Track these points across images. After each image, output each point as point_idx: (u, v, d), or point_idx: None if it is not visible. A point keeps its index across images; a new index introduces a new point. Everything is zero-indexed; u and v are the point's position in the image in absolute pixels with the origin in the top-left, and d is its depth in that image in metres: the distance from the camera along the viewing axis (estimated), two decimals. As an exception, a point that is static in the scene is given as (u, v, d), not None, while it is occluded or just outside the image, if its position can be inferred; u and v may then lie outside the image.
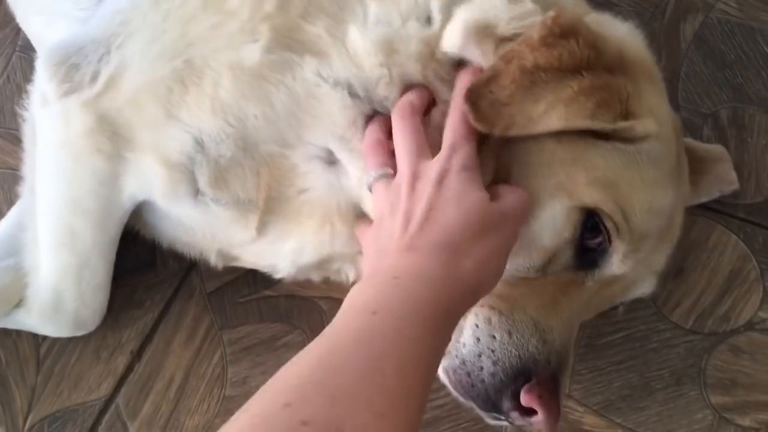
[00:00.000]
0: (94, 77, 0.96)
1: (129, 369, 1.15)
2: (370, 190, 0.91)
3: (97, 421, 1.12)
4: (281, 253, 1.04)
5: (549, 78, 0.84)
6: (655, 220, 0.89)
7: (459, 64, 0.93)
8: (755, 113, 1.26)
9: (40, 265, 1.07)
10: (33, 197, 1.05)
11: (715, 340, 1.12)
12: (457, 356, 0.87)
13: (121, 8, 0.98)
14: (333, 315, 1.07)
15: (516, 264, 0.89)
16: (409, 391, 0.66)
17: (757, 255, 1.17)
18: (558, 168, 0.87)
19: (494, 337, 0.85)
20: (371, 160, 0.91)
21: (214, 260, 1.11)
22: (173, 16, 0.95)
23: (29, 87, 1.03)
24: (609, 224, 0.86)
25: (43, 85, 0.98)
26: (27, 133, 1.06)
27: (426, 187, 0.83)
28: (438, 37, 0.91)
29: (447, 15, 0.91)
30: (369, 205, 0.95)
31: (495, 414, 0.87)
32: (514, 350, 0.85)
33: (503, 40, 0.89)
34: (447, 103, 0.91)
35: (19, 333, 1.16)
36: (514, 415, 0.85)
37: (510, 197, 0.85)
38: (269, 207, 0.99)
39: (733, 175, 1.16)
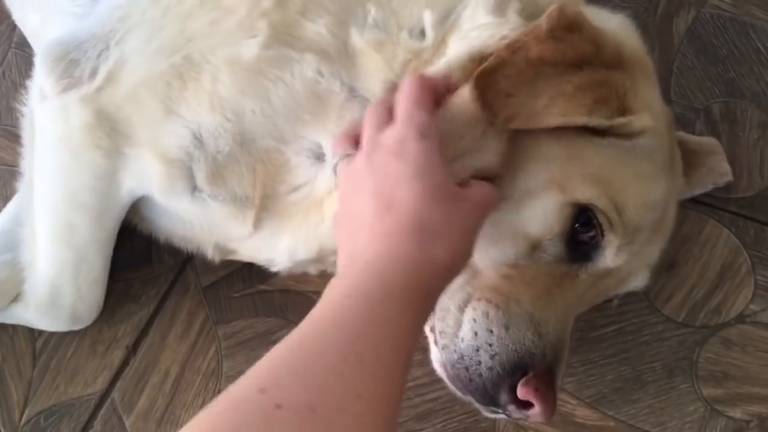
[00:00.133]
0: (93, 73, 0.97)
1: (125, 363, 1.15)
2: (335, 174, 0.91)
3: (93, 415, 1.12)
4: (277, 248, 1.05)
5: (551, 72, 0.85)
6: (649, 213, 0.90)
7: None
8: (747, 108, 1.27)
9: (37, 260, 1.08)
10: (31, 192, 1.06)
11: (706, 333, 1.12)
12: (455, 351, 0.87)
13: (120, 4, 0.98)
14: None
15: (503, 251, 0.89)
16: (386, 371, 0.67)
17: (748, 248, 1.17)
18: (552, 162, 0.88)
19: (491, 331, 0.86)
20: (337, 144, 0.91)
21: (211, 254, 1.11)
22: (172, 12, 0.95)
23: (25, 84, 1.04)
24: (602, 219, 0.87)
25: (41, 81, 0.99)
26: (25, 128, 1.07)
27: (385, 159, 0.81)
28: (429, 53, 0.92)
29: (440, 35, 0.93)
30: None
31: (492, 407, 0.88)
32: (511, 344, 0.85)
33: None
34: None
35: (15, 328, 1.16)
36: (512, 408, 0.86)
37: (477, 186, 0.84)
38: (265, 204, 1.00)
39: (726, 167, 1.17)
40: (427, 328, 0.96)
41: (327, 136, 0.94)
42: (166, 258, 1.21)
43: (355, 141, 0.88)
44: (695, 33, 1.34)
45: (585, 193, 0.86)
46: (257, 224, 1.02)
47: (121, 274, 1.19)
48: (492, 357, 0.85)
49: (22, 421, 1.12)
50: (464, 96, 0.87)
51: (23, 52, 1.39)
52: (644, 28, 1.31)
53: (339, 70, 0.92)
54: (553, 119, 0.84)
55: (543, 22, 0.87)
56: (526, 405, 0.84)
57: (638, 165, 0.89)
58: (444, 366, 0.90)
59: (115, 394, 1.13)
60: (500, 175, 0.89)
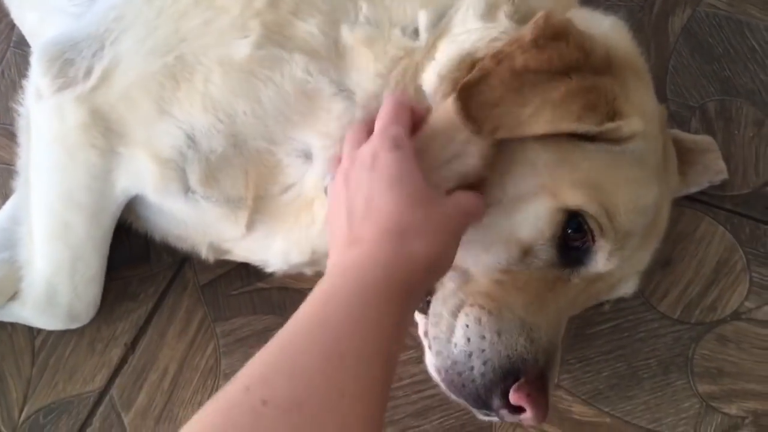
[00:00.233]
0: (88, 72, 0.97)
1: (123, 361, 1.16)
2: (326, 194, 0.93)
3: (92, 413, 1.13)
4: (271, 250, 1.05)
5: (537, 80, 0.85)
6: (640, 218, 0.90)
7: None
8: (742, 106, 1.27)
9: (34, 258, 1.08)
10: (28, 191, 1.07)
11: (702, 329, 1.13)
12: (448, 356, 0.88)
13: (116, 4, 0.99)
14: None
15: (495, 257, 0.90)
16: (368, 370, 0.68)
17: (743, 246, 1.18)
18: (543, 168, 0.88)
19: (484, 337, 0.86)
20: (329, 166, 0.94)
21: (205, 253, 1.12)
22: (166, 12, 0.96)
23: (24, 82, 1.05)
24: (593, 225, 0.87)
25: (37, 80, 1.00)
26: (22, 127, 1.07)
27: (361, 174, 0.83)
28: (420, 54, 0.93)
29: (432, 37, 0.93)
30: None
31: (486, 411, 0.89)
32: (503, 350, 0.86)
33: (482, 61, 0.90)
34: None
35: (14, 326, 1.17)
36: (504, 412, 0.86)
37: (461, 194, 0.87)
38: (257, 206, 1.01)
39: (722, 164, 1.17)
40: (421, 333, 0.97)
41: (316, 136, 0.95)
42: (164, 256, 1.22)
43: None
44: (691, 31, 1.35)
45: (575, 199, 0.87)
46: (250, 225, 1.02)
47: (119, 272, 1.19)
48: (484, 363, 0.86)
49: (22, 419, 1.13)
50: (448, 106, 0.88)
51: (22, 50, 1.40)
52: (640, 27, 1.33)
53: (328, 68, 0.93)
54: (541, 127, 0.84)
55: (527, 31, 0.87)
56: (519, 410, 0.85)
57: (629, 170, 0.89)
58: (438, 371, 0.90)
59: (114, 391, 1.14)
60: (489, 181, 0.90)
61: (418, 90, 0.94)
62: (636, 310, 1.14)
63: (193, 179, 0.98)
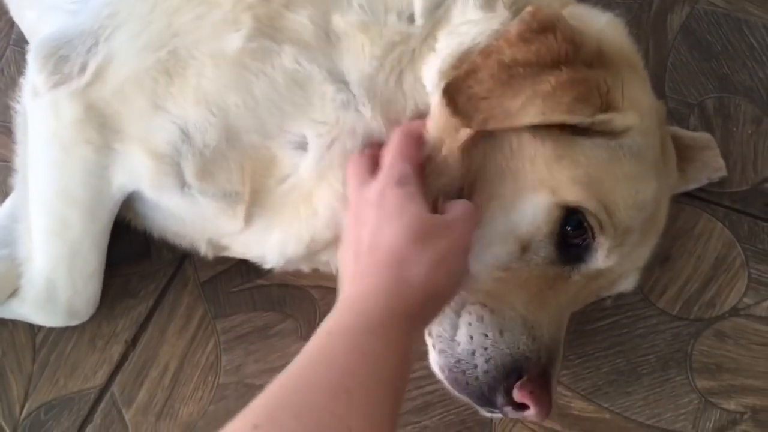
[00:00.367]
0: (83, 68, 0.97)
1: (124, 357, 1.16)
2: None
3: (93, 409, 1.13)
4: (268, 244, 1.05)
5: (527, 72, 0.85)
6: (639, 214, 0.90)
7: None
8: (741, 103, 1.28)
9: (33, 255, 1.08)
10: (26, 189, 1.07)
11: (700, 325, 1.13)
12: (452, 354, 0.89)
13: (110, 0, 0.99)
14: (325, 304, 1.09)
15: (495, 254, 0.90)
16: (376, 403, 0.69)
17: (742, 242, 1.18)
18: (541, 164, 0.88)
19: (486, 335, 0.87)
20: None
21: (204, 250, 1.12)
22: (159, 7, 0.96)
23: (23, 80, 1.04)
24: (592, 221, 0.88)
25: (33, 77, 1.00)
26: (19, 124, 1.07)
27: (368, 211, 0.86)
28: (417, 41, 0.93)
29: (429, 23, 0.93)
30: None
31: (489, 408, 0.90)
32: (505, 348, 0.86)
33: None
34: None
35: (15, 322, 1.17)
36: (508, 409, 0.87)
37: (454, 208, 0.88)
38: (254, 200, 1.01)
39: (721, 162, 1.18)
40: (425, 332, 0.97)
41: (311, 125, 0.95)
42: (165, 253, 1.22)
43: None
44: (689, 29, 1.35)
45: (574, 195, 0.87)
46: (248, 219, 1.02)
47: (120, 269, 1.20)
48: (487, 361, 0.86)
49: (23, 415, 1.13)
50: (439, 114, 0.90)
51: (21, 48, 1.39)
52: (638, 25, 1.33)
53: (317, 56, 0.93)
54: (531, 117, 0.85)
55: (513, 25, 0.88)
56: (522, 407, 0.86)
57: (627, 165, 0.89)
58: (442, 369, 0.91)
59: (115, 388, 1.14)
60: (489, 177, 0.91)
61: (417, 80, 0.94)
62: (635, 307, 1.15)
63: (189, 174, 0.98)
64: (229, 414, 0.67)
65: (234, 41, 0.93)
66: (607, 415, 1.09)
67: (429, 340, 0.94)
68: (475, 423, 1.08)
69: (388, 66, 0.94)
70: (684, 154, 1.11)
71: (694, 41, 1.34)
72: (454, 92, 0.85)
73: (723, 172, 1.18)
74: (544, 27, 0.87)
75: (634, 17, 1.34)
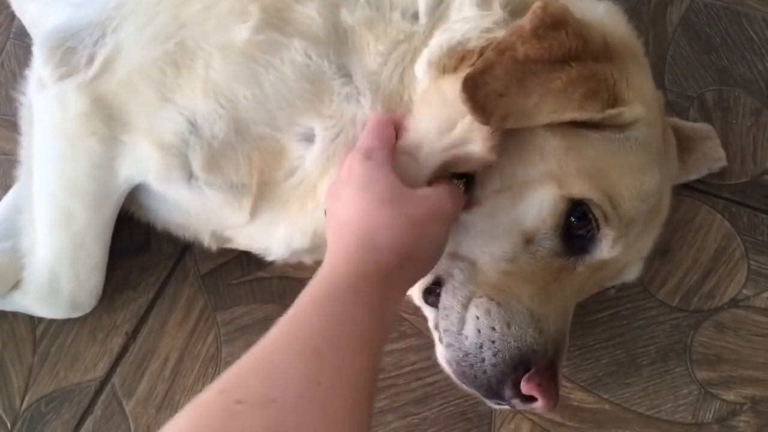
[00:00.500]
0: (90, 60, 0.97)
1: (124, 349, 1.16)
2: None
3: (93, 401, 1.13)
4: (273, 237, 1.05)
5: (539, 70, 0.85)
6: (644, 204, 0.91)
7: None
8: (740, 95, 1.28)
9: (36, 247, 1.09)
10: (30, 180, 1.07)
11: (700, 317, 1.14)
12: (460, 348, 0.89)
13: None
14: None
15: (500, 246, 0.90)
16: (347, 361, 0.69)
17: (741, 234, 1.19)
18: (550, 156, 0.89)
19: (494, 328, 0.87)
20: None
21: (207, 242, 1.13)
22: None
23: (24, 74, 1.05)
24: (597, 213, 0.88)
25: (39, 69, 1.00)
26: (24, 116, 1.07)
27: (340, 189, 0.87)
28: (419, 39, 0.94)
29: (431, 22, 0.94)
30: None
31: (497, 400, 0.90)
32: (513, 342, 0.87)
33: (473, 52, 0.92)
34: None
35: (15, 315, 1.17)
36: (515, 402, 0.87)
37: (438, 184, 0.89)
38: (261, 192, 1.01)
39: (721, 152, 1.18)
40: (431, 326, 0.98)
41: (319, 119, 0.95)
42: (165, 245, 1.22)
43: None
44: (689, 22, 1.35)
45: (580, 188, 0.88)
46: (254, 212, 1.03)
47: (121, 261, 1.20)
48: (495, 354, 0.87)
49: (23, 407, 1.13)
50: (446, 92, 0.89)
51: (22, 42, 1.40)
52: (638, 17, 1.34)
53: (327, 51, 0.93)
54: (544, 117, 0.85)
55: (527, 21, 0.88)
56: (530, 399, 0.86)
57: (632, 156, 0.90)
58: (449, 363, 0.91)
59: (115, 379, 1.14)
60: (499, 167, 0.90)
61: (413, 78, 0.95)
62: (635, 298, 1.15)
63: (196, 166, 0.98)
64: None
65: (241, 32, 0.93)
66: (607, 406, 1.09)
67: (436, 334, 0.95)
68: (475, 414, 1.09)
69: (392, 63, 0.94)
70: (684, 144, 1.11)
71: (693, 34, 1.34)
72: (473, 88, 0.85)
73: (723, 162, 1.18)
74: (556, 22, 0.87)
75: (634, 10, 1.34)
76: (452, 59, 0.92)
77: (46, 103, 1.00)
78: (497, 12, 0.93)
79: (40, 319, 1.17)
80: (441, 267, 0.93)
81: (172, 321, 1.17)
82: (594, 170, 0.88)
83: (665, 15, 1.36)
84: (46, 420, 1.12)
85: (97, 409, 1.13)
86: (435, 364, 0.97)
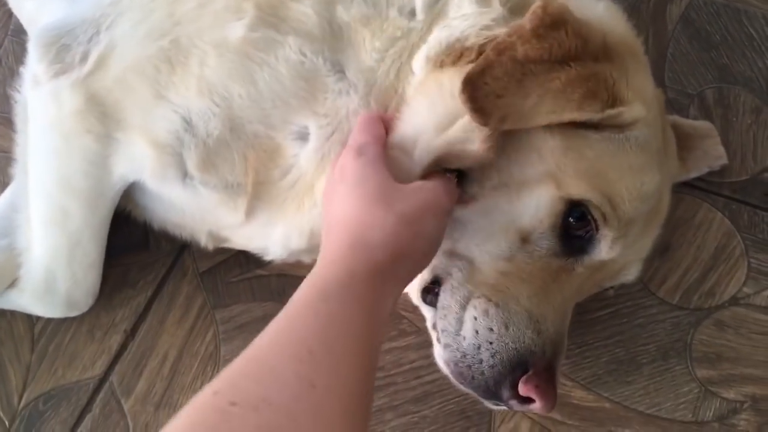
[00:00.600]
0: (84, 57, 0.97)
1: (123, 347, 1.16)
2: None
3: (92, 399, 1.13)
4: (271, 237, 1.05)
5: (538, 70, 0.85)
6: (643, 205, 0.90)
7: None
8: (740, 93, 1.28)
9: (32, 245, 1.08)
10: (26, 178, 1.06)
11: (700, 315, 1.13)
12: (458, 349, 0.88)
13: None
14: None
15: (497, 244, 0.90)
16: (341, 363, 0.68)
17: (742, 232, 1.18)
18: (548, 156, 0.88)
19: (492, 329, 0.87)
20: None
21: (204, 241, 1.12)
22: None
23: (22, 70, 1.04)
24: (596, 214, 0.88)
25: (34, 67, 1.00)
26: (19, 114, 1.07)
27: (333, 187, 0.88)
28: (417, 36, 0.93)
29: (429, 18, 0.94)
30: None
31: (495, 401, 0.90)
32: (511, 343, 0.86)
33: (471, 49, 0.92)
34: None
35: (13, 313, 1.17)
36: (513, 403, 0.87)
37: (432, 178, 0.88)
38: (257, 192, 1.00)
39: (721, 150, 1.18)
40: (429, 326, 0.98)
41: (314, 118, 0.95)
42: (164, 243, 1.22)
43: None
44: (689, 19, 1.35)
45: (579, 189, 0.87)
46: (250, 212, 1.02)
47: (119, 259, 1.19)
48: (493, 355, 0.87)
49: (21, 405, 1.13)
50: (446, 85, 0.89)
51: (20, 39, 1.39)
52: (638, 15, 1.33)
53: (322, 48, 0.93)
54: (542, 118, 0.85)
55: (527, 20, 0.87)
56: (528, 400, 0.86)
57: (632, 157, 0.89)
58: (447, 363, 0.91)
59: (114, 377, 1.14)
60: (496, 165, 0.90)
61: (411, 73, 0.94)
62: (635, 296, 1.15)
63: (191, 164, 0.98)
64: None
65: (236, 30, 0.93)
66: (607, 405, 1.09)
67: (433, 334, 0.95)
68: (475, 412, 1.08)
69: (389, 60, 0.94)
70: (684, 142, 1.11)
71: (693, 31, 1.34)
72: (472, 89, 0.84)
73: (724, 160, 1.18)
74: (556, 22, 0.86)
75: (633, 7, 1.34)
76: (450, 56, 0.92)
77: (41, 100, 1.00)
78: (496, 9, 0.92)
79: (39, 318, 1.17)
80: (439, 266, 0.93)
81: (171, 319, 1.17)
82: (593, 171, 0.88)
83: (665, 12, 1.36)
84: (45, 418, 1.12)
85: (96, 408, 1.12)
86: (434, 363, 0.97)
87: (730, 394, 1.09)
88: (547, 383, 0.86)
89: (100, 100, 0.97)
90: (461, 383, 0.91)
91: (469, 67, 0.87)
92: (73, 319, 1.16)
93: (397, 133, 0.92)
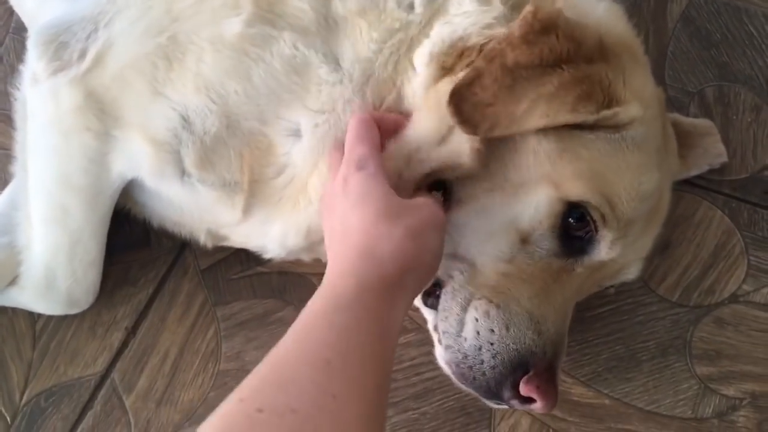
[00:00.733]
0: (82, 55, 0.97)
1: (124, 345, 1.16)
2: None
3: (93, 396, 1.13)
4: (268, 235, 1.05)
5: (530, 75, 0.85)
6: (643, 205, 0.90)
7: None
8: (740, 91, 1.28)
9: (33, 243, 1.08)
10: (25, 176, 1.07)
11: (700, 312, 1.14)
12: (459, 350, 0.89)
13: None
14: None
15: (497, 246, 0.90)
16: (357, 372, 0.70)
17: (741, 230, 1.19)
18: (545, 158, 0.88)
19: (493, 331, 0.87)
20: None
21: (203, 240, 1.12)
22: None
23: (22, 68, 1.04)
24: (595, 215, 0.88)
25: (33, 64, 1.00)
26: (19, 112, 1.07)
27: (335, 200, 0.87)
28: (416, 29, 0.93)
29: (428, 12, 0.93)
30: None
31: (496, 401, 0.90)
32: (512, 344, 0.87)
33: (472, 49, 0.92)
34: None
35: (15, 310, 1.17)
36: (514, 402, 0.88)
37: (421, 196, 0.89)
38: (253, 190, 1.01)
39: (721, 147, 1.18)
40: (430, 327, 0.98)
41: (306, 113, 0.95)
42: (165, 241, 1.22)
43: None
44: (689, 17, 1.35)
45: (577, 191, 0.87)
46: (247, 210, 1.02)
47: (120, 257, 1.20)
48: (494, 356, 0.87)
49: (23, 402, 1.13)
50: (435, 99, 0.90)
51: (20, 36, 1.39)
52: (639, 13, 1.33)
53: (315, 41, 0.93)
54: (535, 121, 0.85)
55: (516, 27, 0.87)
56: (529, 400, 0.86)
57: (630, 156, 0.89)
58: (449, 364, 0.91)
59: (115, 374, 1.14)
60: (492, 168, 0.90)
61: (410, 66, 0.94)
62: (635, 294, 1.15)
63: (188, 162, 0.98)
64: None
65: (233, 26, 0.93)
66: (607, 401, 1.09)
67: (435, 335, 0.95)
68: (475, 409, 1.09)
69: (387, 51, 0.94)
70: (684, 140, 1.11)
71: (694, 30, 1.34)
72: (459, 100, 0.85)
73: (724, 158, 1.18)
74: (546, 27, 0.86)
75: (634, 6, 1.34)
76: (451, 56, 0.92)
77: (40, 97, 1.00)
78: (497, 7, 0.93)
79: (40, 315, 1.17)
80: (441, 268, 0.93)
81: (172, 316, 1.17)
82: (591, 172, 0.88)
83: (665, 11, 1.36)
84: (46, 415, 1.12)
85: (97, 404, 1.13)
86: (434, 359, 0.97)
87: (730, 391, 1.09)
88: (548, 383, 0.87)
89: (99, 98, 0.97)
90: (463, 384, 0.91)
91: (462, 75, 0.87)
92: (75, 316, 1.16)
93: (398, 143, 0.92)
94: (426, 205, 0.86)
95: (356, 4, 0.93)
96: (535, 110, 0.84)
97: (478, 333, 0.87)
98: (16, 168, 1.10)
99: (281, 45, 0.93)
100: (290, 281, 1.18)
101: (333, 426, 0.65)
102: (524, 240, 0.89)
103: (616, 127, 0.88)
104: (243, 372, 1.11)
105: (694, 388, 1.09)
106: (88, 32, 0.97)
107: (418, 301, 1.00)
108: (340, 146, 0.94)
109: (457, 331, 0.89)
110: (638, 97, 0.89)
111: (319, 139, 0.95)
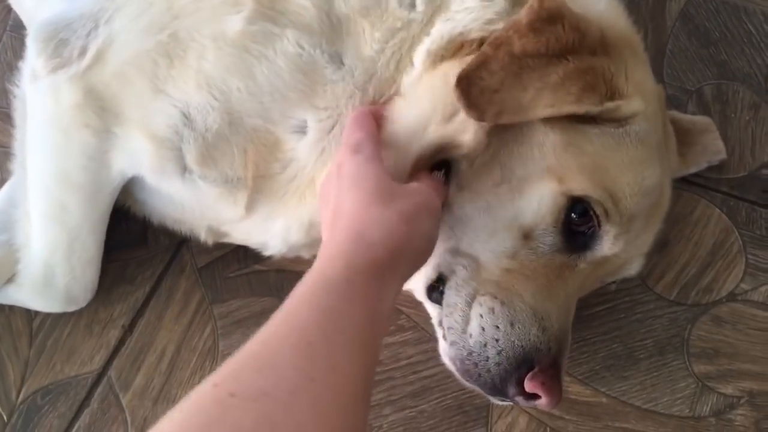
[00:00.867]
0: (83, 52, 0.97)
1: (121, 342, 1.16)
2: None
3: (90, 394, 1.13)
4: (271, 231, 1.05)
5: (536, 64, 0.85)
6: (645, 200, 0.90)
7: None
8: (739, 89, 1.28)
9: (31, 240, 1.08)
10: (24, 173, 1.07)
11: (698, 310, 1.14)
12: (464, 347, 0.89)
13: None
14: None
15: (500, 241, 0.90)
16: (340, 356, 0.68)
17: (739, 228, 1.19)
18: (549, 152, 0.89)
19: (498, 327, 0.87)
20: None
21: (204, 237, 1.12)
22: None
23: (20, 65, 1.04)
24: (598, 210, 0.88)
25: (32, 61, 1.00)
26: (18, 109, 1.07)
27: (331, 184, 0.87)
28: (417, 27, 0.93)
29: (430, 9, 0.93)
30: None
31: (501, 397, 0.90)
32: (516, 341, 0.87)
33: (472, 42, 0.92)
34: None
35: (12, 307, 1.17)
36: (519, 399, 0.88)
37: (421, 178, 0.89)
38: (257, 186, 1.00)
39: (720, 144, 1.18)
40: (435, 323, 0.98)
41: (313, 111, 0.95)
42: (162, 239, 1.22)
43: None
44: (688, 15, 1.35)
45: (580, 185, 0.87)
46: (250, 207, 1.02)
47: (117, 254, 1.19)
48: (499, 353, 0.87)
49: (19, 400, 1.13)
50: (450, 77, 0.88)
51: (18, 34, 1.39)
52: (637, 11, 1.33)
53: (320, 41, 0.93)
54: (541, 111, 0.85)
55: (523, 15, 0.87)
56: (533, 396, 0.87)
57: (633, 151, 0.89)
58: (453, 361, 0.91)
59: (112, 372, 1.14)
60: (498, 161, 0.90)
61: (410, 63, 0.94)
62: (632, 292, 1.15)
63: (190, 159, 0.98)
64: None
65: (235, 23, 0.93)
66: (604, 399, 1.09)
67: (439, 331, 0.95)
68: (472, 407, 1.09)
69: (389, 51, 0.94)
70: (683, 138, 1.11)
71: (692, 28, 1.34)
72: (466, 85, 0.85)
73: (723, 155, 1.18)
74: (552, 16, 0.87)
75: (633, 3, 1.33)
76: (449, 50, 0.92)
77: (40, 94, 1.00)
78: (499, 2, 0.93)
79: (37, 312, 1.17)
80: (444, 263, 0.93)
81: (169, 314, 1.17)
82: (594, 166, 0.88)
83: (664, 9, 1.36)
84: (43, 413, 1.12)
85: (94, 402, 1.13)
86: (432, 357, 0.97)
87: (727, 390, 1.09)
88: (553, 379, 0.87)
89: (99, 95, 0.97)
90: (467, 380, 0.91)
91: (470, 59, 0.87)
92: (72, 314, 1.16)
93: (393, 125, 0.92)
94: (420, 190, 0.86)
95: (359, 2, 0.93)
96: (541, 99, 0.85)
97: (483, 329, 0.87)
98: (14, 165, 1.09)
99: (284, 43, 0.93)
100: (288, 279, 1.18)
101: (308, 411, 0.63)
102: (527, 236, 0.89)
103: (619, 122, 0.89)
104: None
105: (692, 387, 1.09)
106: (89, 29, 0.97)
107: (421, 296, 1.00)
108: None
109: (463, 328, 0.89)
110: (640, 92, 0.90)
111: (326, 135, 0.96)
